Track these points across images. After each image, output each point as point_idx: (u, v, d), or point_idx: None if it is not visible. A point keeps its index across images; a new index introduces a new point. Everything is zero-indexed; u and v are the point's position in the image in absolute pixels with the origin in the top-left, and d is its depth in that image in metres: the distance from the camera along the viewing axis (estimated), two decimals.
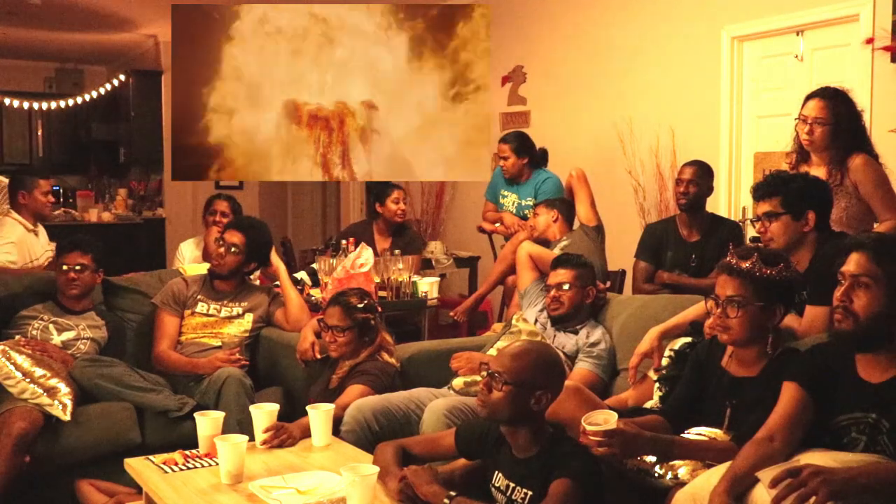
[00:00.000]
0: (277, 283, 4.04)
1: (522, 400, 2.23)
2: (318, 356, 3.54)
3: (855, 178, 3.32)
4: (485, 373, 2.31)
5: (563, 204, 4.50)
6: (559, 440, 2.27)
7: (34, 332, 3.61)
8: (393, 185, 5.28)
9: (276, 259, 4.02)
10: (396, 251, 4.73)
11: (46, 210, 4.84)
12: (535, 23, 6.57)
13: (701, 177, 4.25)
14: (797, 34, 4.85)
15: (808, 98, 3.41)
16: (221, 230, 4.03)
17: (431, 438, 2.64)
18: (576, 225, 4.50)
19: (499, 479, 2.31)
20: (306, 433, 2.82)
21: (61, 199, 9.57)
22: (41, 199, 4.73)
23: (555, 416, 2.41)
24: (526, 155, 5.14)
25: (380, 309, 3.54)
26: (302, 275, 4.82)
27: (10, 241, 4.51)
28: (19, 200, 4.69)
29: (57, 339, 3.63)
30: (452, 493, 2.18)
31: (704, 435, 2.36)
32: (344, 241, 4.73)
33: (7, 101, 8.52)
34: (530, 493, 2.20)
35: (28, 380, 3.20)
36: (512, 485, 2.26)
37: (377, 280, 4.45)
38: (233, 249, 3.84)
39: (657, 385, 2.86)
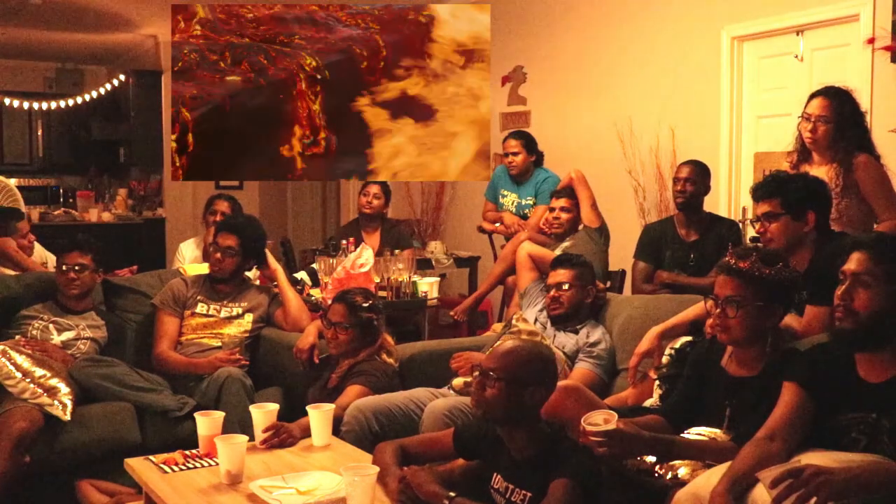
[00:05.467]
0: (276, 283, 4.04)
1: (516, 395, 2.23)
2: (316, 361, 3.55)
3: (857, 178, 3.33)
4: (477, 372, 2.31)
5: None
6: (557, 440, 2.27)
7: (34, 332, 3.61)
8: (368, 182, 5.35)
9: (272, 261, 4.01)
10: (396, 251, 4.73)
11: (28, 252, 4.46)
12: (535, 23, 6.57)
13: (698, 175, 4.25)
14: (797, 34, 4.85)
15: (812, 96, 3.43)
16: (213, 233, 4.02)
17: (430, 438, 2.64)
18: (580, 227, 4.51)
19: (497, 481, 2.31)
20: (306, 433, 2.82)
21: (61, 199, 9.59)
22: (21, 242, 4.42)
23: (555, 416, 2.41)
24: (534, 153, 5.19)
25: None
26: (302, 275, 4.82)
27: None
28: None
29: (57, 339, 3.62)
30: (452, 494, 2.17)
31: (704, 435, 2.36)
32: (344, 241, 4.74)
33: (7, 101, 8.52)
34: (529, 494, 2.19)
35: (28, 380, 3.20)
36: (511, 486, 2.25)
37: (377, 280, 4.45)
38: (229, 252, 3.84)
39: (657, 383, 2.86)
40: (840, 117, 3.34)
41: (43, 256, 4.69)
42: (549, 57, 6.48)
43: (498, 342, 3.43)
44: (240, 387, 3.41)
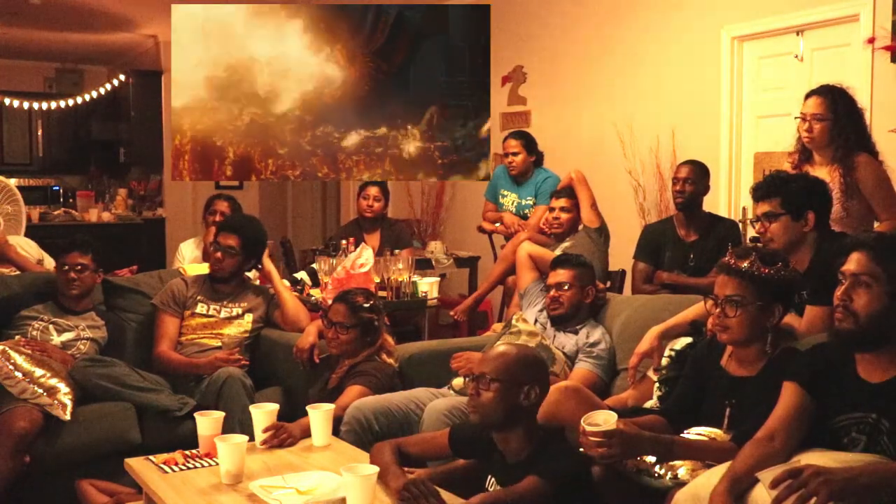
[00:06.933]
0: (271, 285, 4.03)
1: (512, 396, 2.24)
2: (316, 360, 3.55)
3: (857, 177, 3.33)
4: (470, 379, 2.32)
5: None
6: (549, 442, 2.27)
7: (34, 333, 3.60)
8: (368, 183, 5.33)
9: (267, 262, 4.00)
10: (396, 251, 4.73)
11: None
12: (535, 23, 6.57)
13: (697, 175, 4.25)
14: (797, 34, 4.85)
15: (808, 96, 3.43)
16: (215, 232, 4.02)
17: (427, 438, 2.64)
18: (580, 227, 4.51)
19: (492, 484, 2.31)
20: (306, 433, 2.82)
21: (61, 199, 9.59)
22: None
23: (555, 416, 2.41)
24: (534, 153, 5.19)
25: (388, 321, 3.57)
26: (302, 275, 4.82)
27: None
28: None
29: (57, 339, 3.62)
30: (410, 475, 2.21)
31: (704, 435, 2.36)
32: (344, 242, 4.74)
33: (7, 101, 8.53)
34: None
35: (28, 380, 3.20)
36: None
37: (377, 280, 4.45)
38: (230, 252, 3.84)
39: (657, 385, 2.86)
40: (836, 115, 3.33)
41: (39, 253, 4.68)
42: (549, 57, 6.48)
43: (487, 348, 3.45)
44: (240, 387, 3.41)
